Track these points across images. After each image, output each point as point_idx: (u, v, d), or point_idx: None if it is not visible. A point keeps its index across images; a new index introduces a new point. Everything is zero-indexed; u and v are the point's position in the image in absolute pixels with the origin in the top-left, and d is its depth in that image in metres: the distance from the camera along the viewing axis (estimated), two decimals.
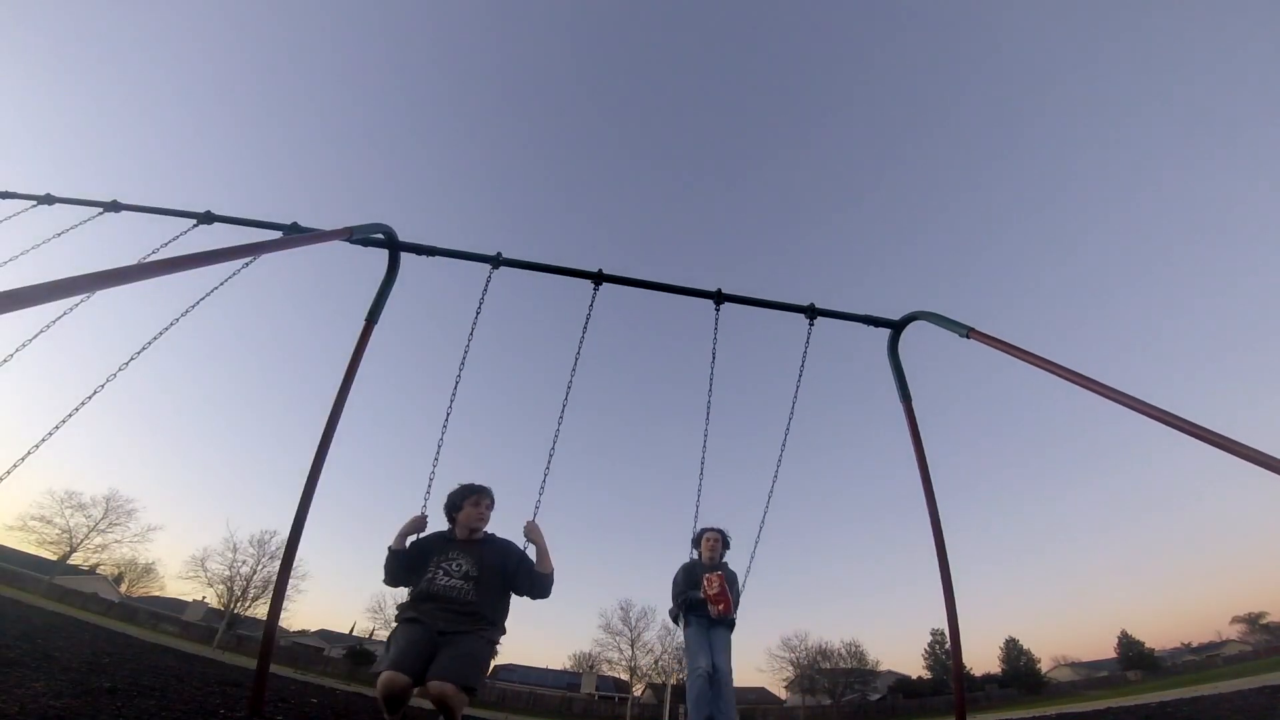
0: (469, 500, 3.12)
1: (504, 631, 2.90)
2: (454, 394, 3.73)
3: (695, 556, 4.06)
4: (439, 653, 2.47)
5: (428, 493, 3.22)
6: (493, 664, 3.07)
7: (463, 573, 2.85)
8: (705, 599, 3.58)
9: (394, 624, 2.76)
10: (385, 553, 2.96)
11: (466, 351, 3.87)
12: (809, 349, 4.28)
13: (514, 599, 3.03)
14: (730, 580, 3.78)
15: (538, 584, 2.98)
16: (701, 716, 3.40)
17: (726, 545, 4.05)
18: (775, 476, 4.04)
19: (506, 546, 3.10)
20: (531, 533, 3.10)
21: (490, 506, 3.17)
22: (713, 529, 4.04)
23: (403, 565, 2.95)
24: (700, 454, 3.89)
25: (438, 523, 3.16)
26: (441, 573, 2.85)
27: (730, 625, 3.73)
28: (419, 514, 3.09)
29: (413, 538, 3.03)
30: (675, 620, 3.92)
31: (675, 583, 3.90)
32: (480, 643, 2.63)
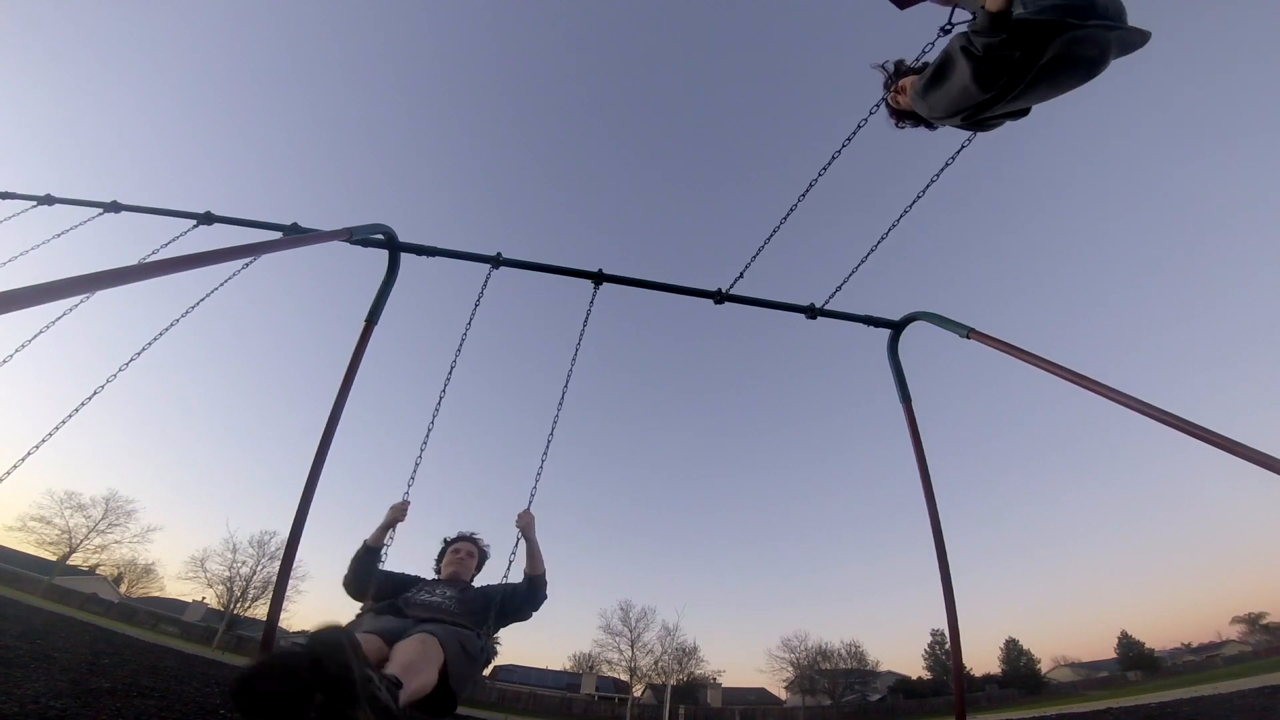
0: (450, 549, 2.98)
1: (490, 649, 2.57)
2: (447, 380, 3.69)
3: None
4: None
5: (411, 478, 3.03)
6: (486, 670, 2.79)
7: (445, 595, 2.61)
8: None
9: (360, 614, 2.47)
10: (359, 548, 2.70)
11: (462, 342, 3.85)
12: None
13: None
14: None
15: (530, 589, 2.67)
16: None
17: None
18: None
19: (488, 586, 2.83)
20: (524, 523, 2.77)
21: (472, 556, 2.97)
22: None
23: (375, 570, 2.68)
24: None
25: (420, 514, 3.00)
26: (424, 593, 2.60)
27: None
28: (400, 501, 2.88)
29: (391, 534, 2.80)
30: None
31: None
32: (470, 634, 2.24)
